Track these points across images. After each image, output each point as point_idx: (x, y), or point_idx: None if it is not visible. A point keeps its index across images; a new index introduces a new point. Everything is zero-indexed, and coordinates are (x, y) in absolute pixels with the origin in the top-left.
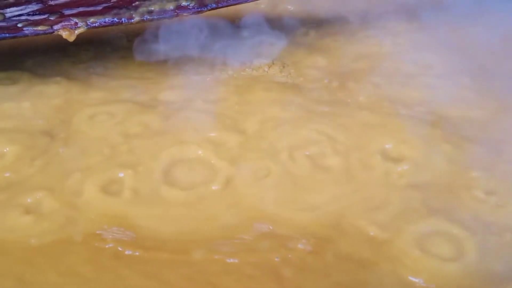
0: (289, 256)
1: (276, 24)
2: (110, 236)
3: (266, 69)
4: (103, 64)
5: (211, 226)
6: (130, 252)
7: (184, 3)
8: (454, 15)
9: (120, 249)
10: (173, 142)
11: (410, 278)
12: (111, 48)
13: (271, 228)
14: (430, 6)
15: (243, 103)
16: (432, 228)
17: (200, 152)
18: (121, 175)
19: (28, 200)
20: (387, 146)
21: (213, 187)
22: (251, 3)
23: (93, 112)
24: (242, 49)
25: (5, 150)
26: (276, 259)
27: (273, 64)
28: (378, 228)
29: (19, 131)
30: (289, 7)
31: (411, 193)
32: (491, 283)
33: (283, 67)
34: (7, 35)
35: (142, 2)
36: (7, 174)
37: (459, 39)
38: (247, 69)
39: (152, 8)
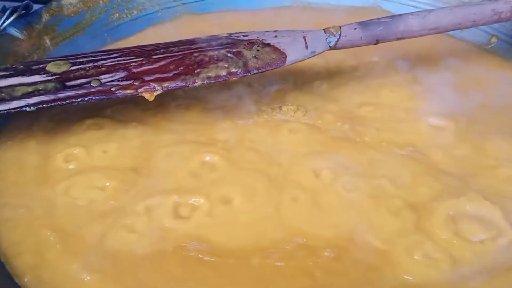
0: (319, 261)
1: (298, 77)
2: (192, 247)
3: (292, 114)
4: (167, 111)
5: (264, 239)
6: (208, 258)
7: (233, 70)
8: (445, 68)
9: (200, 256)
10: (232, 174)
11: (405, 276)
12: (170, 97)
13: (305, 241)
14: (425, 60)
15: (277, 142)
16: (418, 240)
17: (252, 180)
18: (192, 201)
19: (129, 222)
20: (384, 177)
21: (266, 210)
22: None
23: (167, 151)
24: (273, 98)
25: (106, 184)
26: (309, 263)
27: (298, 109)
28: (380, 242)
29: (113, 169)
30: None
31: (404, 214)
32: None
33: (306, 112)
34: (104, 97)
35: (202, 69)
36: (111, 202)
37: (448, 88)
38: (277, 114)
39: (210, 74)
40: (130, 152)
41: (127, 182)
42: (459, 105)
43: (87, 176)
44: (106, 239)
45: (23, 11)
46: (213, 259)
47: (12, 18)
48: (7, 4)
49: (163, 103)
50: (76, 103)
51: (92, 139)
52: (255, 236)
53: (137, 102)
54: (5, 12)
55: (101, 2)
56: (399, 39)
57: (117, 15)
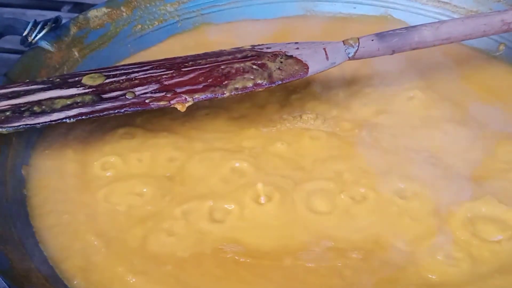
0: (347, 262)
1: (316, 86)
2: (229, 249)
3: (312, 122)
4: (194, 120)
5: (293, 242)
6: (244, 260)
7: (259, 81)
8: (456, 75)
9: (236, 258)
10: (260, 178)
11: (428, 275)
12: (196, 107)
13: (332, 244)
14: (437, 69)
15: (299, 148)
16: (440, 242)
17: (278, 185)
18: (225, 205)
19: (168, 226)
20: (403, 182)
21: (293, 214)
22: None
23: (198, 158)
24: (293, 107)
25: (144, 190)
26: (339, 264)
27: (317, 117)
28: (404, 244)
29: (148, 176)
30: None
31: (426, 218)
32: None
33: (324, 120)
34: (139, 108)
35: (229, 81)
36: (149, 208)
37: (459, 95)
38: (298, 122)
39: (237, 86)
40: (164, 160)
41: (163, 188)
42: (471, 111)
43: (125, 183)
44: (147, 242)
45: (53, 25)
46: (248, 260)
47: (43, 32)
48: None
49: (190, 112)
50: (113, 114)
51: (126, 148)
52: (285, 239)
53: (165, 111)
54: (37, 26)
55: (124, 14)
56: (413, 49)
57: (140, 26)
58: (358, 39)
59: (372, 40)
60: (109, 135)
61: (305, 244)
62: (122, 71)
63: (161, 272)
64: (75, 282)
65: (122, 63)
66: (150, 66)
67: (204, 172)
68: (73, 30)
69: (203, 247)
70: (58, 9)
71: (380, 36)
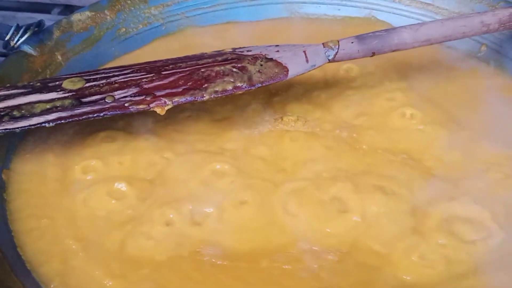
0: (323, 264)
1: (297, 88)
2: (206, 252)
3: (293, 124)
4: (176, 122)
5: (270, 244)
6: (221, 262)
7: (239, 84)
8: (437, 76)
9: (214, 260)
10: (240, 182)
11: (403, 276)
12: (178, 110)
13: (309, 246)
14: (418, 70)
15: (280, 150)
16: (415, 243)
17: (259, 187)
18: (205, 208)
19: (146, 229)
20: (381, 183)
21: (271, 216)
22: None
23: (179, 161)
24: (275, 109)
25: (124, 194)
26: (315, 266)
27: (298, 119)
28: (380, 245)
29: (129, 179)
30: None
31: (402, 219)
32: None
33: (305, 122)
34: (119, 112)
35: (209, 84)
36: (129, 211)
37: (440, 96)
38: (279, 124)
39: (217, 89)
40: (145, 163)
41: (144, 191)
42: (451, 112)
43: (106, 187)
44: (125, 246)
45: (36, 29)
46: (225, 263)
47: (26, 36)
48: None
49: (172, 115)
50: (92, 118)
51: (107, 151)
52: (262, 241)
53: (147, 114)
54: (19, 30)
55: (108, 17)
56: (393, 51)
57: (124, 29)
58: (338, 41)
59: (352, 43)
60: (90, 139)
61: (281, 246)
62: (103, 75)
63: (139, 275)
64: (52, 286)
65: (106, 66)
66: (131, 70)
67: (185, 175)
68: (56, 34)
69: (181, 250)
70: (48, 12)
71: (360, 38)
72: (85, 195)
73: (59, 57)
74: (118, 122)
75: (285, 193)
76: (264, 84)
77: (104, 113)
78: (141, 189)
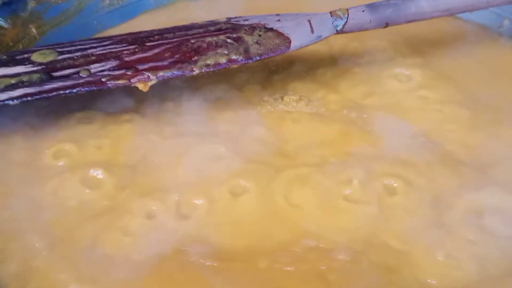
0: (333, 264)
1: (300, 64)
2: (194, 251)
3: (294, 104)
4: (164, 101)
5: (270, 241)
6: (210, 263)
7: (233, 57)
8: (455, 52)
9: (202, 261)
10: (237, 167)
11: (428, 280)
12: (168, 87)
13: (315, 243)
14: (434, 45)
15: (281, 132)
16: (439, 238)
17: (257, 173)
18: (193, 199)
19: (124, 224)
20: (397, 170)
21: (272, 208)
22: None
23: (166, 145)
24: (274, 87)
25: (101, 182)
26: (322, 267)
27: (300, 99)
28: (398, 242)
29: (107, 166)
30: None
31: (422, 210)
32: None
33: (308, 102)
34: (94, 88)
35: (200, 57)
36: (105, 203)
37: (459, 74)
38: (280, 105)
39: (209, 62)
40: (126, 147)
41: (123, 179)
42: (472, 91)
43: (80, 174)
44: (98, 243)
45: None
46: (216, 264)
47: None
48: None
49: (160, 93)
50: (63, 95)
51: (83, 133)
52: (260, 238)
53: (131, 92)
54: None
55: None
56: (409, 21)
57: (108, 1)
58: (347, 10)
59: (363, 11)
60: (65, 120)
61: (283, 244)
62: (78, 47)
63: (112, 279)
64: None
65: None
66: (111, 41)
67: (171, 160)
68: (31, 4)
69: (164, 249)
70: None
71: (372, 7)
72: (55, 183)
73: (34, 30)
74: (98, 101)
75: (287, 180)
76: (263, 57)
77: (77, 89)
78: (120, 177)
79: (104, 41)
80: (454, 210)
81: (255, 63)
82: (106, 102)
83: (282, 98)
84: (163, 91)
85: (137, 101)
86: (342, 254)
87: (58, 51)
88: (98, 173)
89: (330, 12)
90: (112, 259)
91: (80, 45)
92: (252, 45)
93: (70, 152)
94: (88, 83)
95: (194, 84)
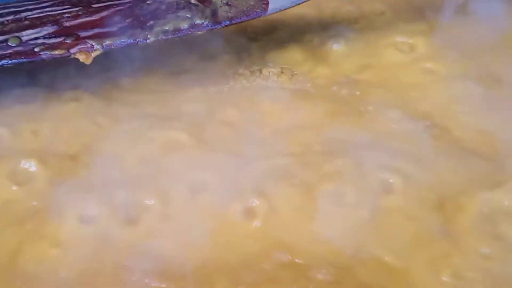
0: (310, 286)
1: (283, 30)
2: (137, 267)
3: (275, 78)
4: (119, 76)
5: (233, 254)
6: (157, 284)
7: (198, 21)
8: (466, 17)
9: (147, 281)
10: (200, 159)
11: None
12: (124, 59)
13: (289, 258)
14: (442, 9)
15: (257, 113)
16: (445, 251)
17: (224, 167)
18: (147, 201)
19: (53, 231)
20: (395, 162)
21: (237, 212)
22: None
23: (116, 130)
24: (252, 58)
25: (32, 175)
26: None
27: (282, 72)
28: (393, 256)
29: (43, 155)
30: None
31: (424, 214)
32: None
33: (292, 75)
34: (25, 60)
35: (156, 21)
36: (34, 203)
37: (471, 43)
38: (257, 79)
39: (167, 28)
40: (69, 133)
41: (61, 173)
42: (486, 64)
43: (8, 166)
44: (19, 256)
45: None
46: (163, 285)
47: None
48: None
49: (114, 66)
50: None
51: (19, 115)
52: (221, 250)
53: (79, 65)
54: None
55: None
56: None
57: None
58: None
59: None
60: None
61: (249, 259)
62: (11, 10)
63: None
64: None
65: None
66: (51, 2)
67: (122, 149)
68: None
69: (101, 264)
70: None
71: None
72: None
73: None
74: (40, 76)
75: (259, 173)
76: (234, 22)
77: (3, 61)
78: (57, 170)
79: (42, 3)
80: (464, 214)
81: (230, 29)
82: (49, 77)
83: (260, 71)
84: (118, 64)
85: (86, 76)
86: (323, 272)
87: None
88: (30, 165)
89: None
90: (33, 277)
91: (13, 7)
92: (221, 6)
93: (1, 138)
94: (17, 53)
95: (155, 55)
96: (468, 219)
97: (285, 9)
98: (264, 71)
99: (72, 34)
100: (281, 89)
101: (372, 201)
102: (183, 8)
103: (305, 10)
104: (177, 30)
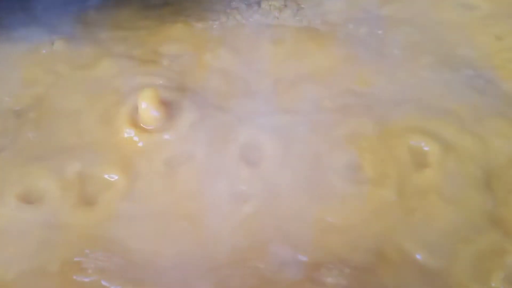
0: None
1: None
2: (93, 265)
3: (277, 13)
4: (83, 9)
5: (219, 247)
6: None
7: None
8: None
9: (104, 283)
10: (182, 118)
11: None
12: None
13: (293, 253)
14: None
15: (254, 57)
16: (496, 246)
17: (212, 129)
18: (108, 176)
19: None
20: (429, 125)
21: (227, 188)
22: None
23: (76, 77)
24: None
25: None
26: None
27: (285, 6)
28: (428, 253)
29: None
30: None
31: (467, 195)
32: None
33: (298, 9)
34: None
35: None
36: None
37: None
38: (255, 14)
39: None
40: (16, 83)
41: (2, 134)
42: None
43: None
44: None
45: None
46: None
47: None
48: None
49: None
50: None
51: None
52: (201, 242)
53: None
54: None
55: None
56: None
57: None
58: None
59: None
60: None
61: (237, 254)
62: None
63: None
64: None
65: None
66: None
67: (81, 104)
68: None
69: (46, 259)
70: None
71: None
72: None
73: None
74: None
75: (254, 136)
76: None
77: None
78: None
79: None
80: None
81: None
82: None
83: (258, 4)
84: None
85: (44, 9)
86: (334, 274)
87: None
88: None
89: None
90: None
91: None
92: None
93: None
94: None
95: None
96: None
97: None
98: (264, 4)
99: None
100: (284, 27)
101: (400, 177)
102: None
103: None
104: None
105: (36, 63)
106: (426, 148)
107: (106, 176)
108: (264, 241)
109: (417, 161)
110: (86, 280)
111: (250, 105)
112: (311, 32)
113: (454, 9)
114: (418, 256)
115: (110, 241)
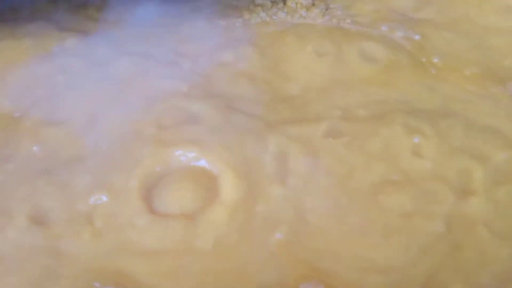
0: None
1: None
2: None
3: (304, 12)
4: (95, 4)
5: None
6: None
7: None
8: None
9: None
10: (203, 124)
11: None
12: None
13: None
14: None
15: (280, 60)
16: None
17: (238, 136)
18: (100, 198)
19: None
20: (475, 143)
21: (244, 204)
22: None
23: (89, 78)
24: None
25: None
26: None
27: (313, 4)
28: None
29: None
30: None
31: None
32: None
33: (327, 8)
34: None
35: None
36: None
37: None
38: (280, 12)
39: None
40: (19, 80)
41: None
42: None
43: None
44: None
45: None
46: None
47: None
48: None
49: None
50: None
51: None
52: (218, 277)
53: None
54: None
55: None
56: None
57: None
58: None
59: None
60: None
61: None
62: None
63: None
64: None
65: None
66: None
67: (86, 108)
68: None
69: None
70: None
71: None
72: None
73: None
74: None
75: (284, 142)
76: None
77: None
78: None
79: None
80: None
81: None
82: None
83: (284, 1)
84: None
85: (52, 3)
86: None
87: None
88: None
89: None
90: None
91: None
92: None
93: None
94: None
95: None
96: None
97: None
98: (290, 2)
99: None
100: (312, 26)
101: (447, 204)
102: None
103: None
104: None
105: (40, 61)
106: (474, 173)
107: (101, 195)
108: (297, 278)
109: (464, 186)
110: None
111: (275, 111)
112: (341, 33)
113: (500, 13)
114: None
115: (120, 272)
